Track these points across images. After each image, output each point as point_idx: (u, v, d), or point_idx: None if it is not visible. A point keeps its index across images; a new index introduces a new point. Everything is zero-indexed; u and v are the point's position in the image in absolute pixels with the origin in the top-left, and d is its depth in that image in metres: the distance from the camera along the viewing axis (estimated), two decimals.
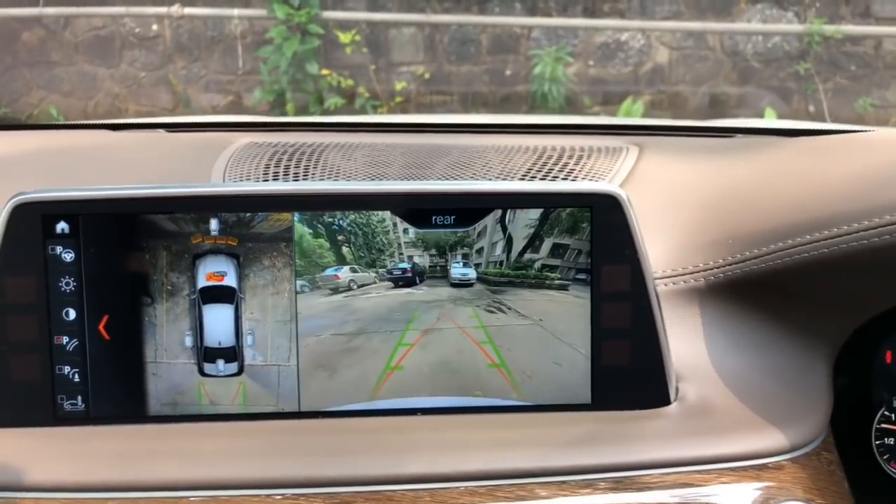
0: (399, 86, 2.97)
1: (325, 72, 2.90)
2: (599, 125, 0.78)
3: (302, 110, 2.87)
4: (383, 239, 0.45)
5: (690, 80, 3.06)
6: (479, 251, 0.45)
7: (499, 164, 0.64)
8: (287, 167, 0.66)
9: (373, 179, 0.61)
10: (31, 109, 3.00)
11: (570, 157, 0.65)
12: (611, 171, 0.60)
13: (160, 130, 0.77)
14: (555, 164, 0.63)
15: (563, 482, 0.40)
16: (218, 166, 0.64)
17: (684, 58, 3.07)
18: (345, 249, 0.45)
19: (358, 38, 2.93)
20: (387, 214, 0.44)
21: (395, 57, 3.00)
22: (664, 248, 0.49)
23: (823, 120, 2.98)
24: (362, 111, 2.88)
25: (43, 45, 3.05)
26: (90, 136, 0.75)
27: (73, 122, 0.86)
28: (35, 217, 0.43)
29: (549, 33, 3.02)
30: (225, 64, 3.04)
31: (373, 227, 0.45)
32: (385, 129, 0.81)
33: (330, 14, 2.93)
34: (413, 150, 0.70)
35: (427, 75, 2.99)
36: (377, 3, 2.98)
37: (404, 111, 2.95)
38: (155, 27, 3.04)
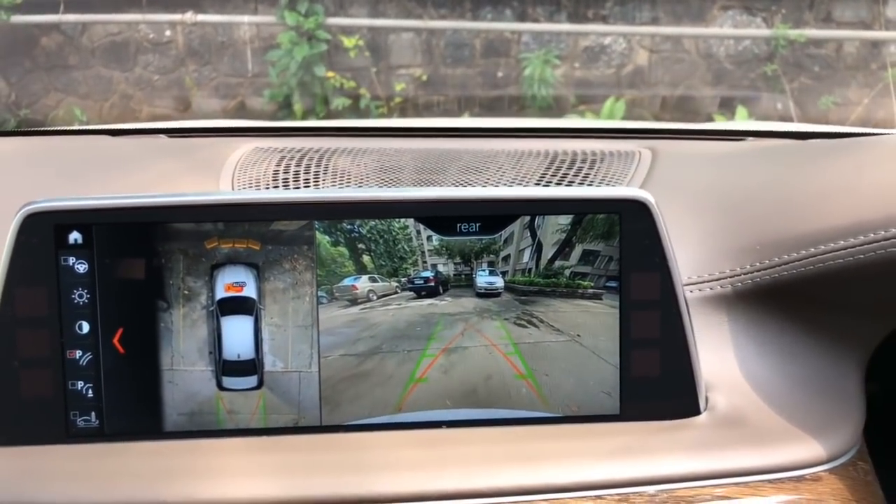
0: (398, 87, 2.91)
1: (329, 74, 2.84)
2: (607, 129, 0.73)
3: (309, 110, 2.81)
4: (405, 246, 0.40)
5: (668, 80, 3.03)
6: (506, 259, 0.40)
7: (512, 169, 0.59)
8: (297, 173, 0.61)
9: (385, 184, 0.56)
10: (48, 111, 2.92)
11: (584, 160, 0.60)
12: (627, 175, 0.55)
13: (161, 136, 0.72)
14: (569, 168, 0.58)
15: (599, 496, 0.35)
16: (225, 172, 0.59)
17: (662, 60, 3.04)
18: (364, 258, 0.40)
19: (361, 42, 2.88)
20: (410, 221, 0.39)
21: (394, 60, 2.94)
22: (688, 254, 0.44)
23: (790, 117, 2.96)
24: (366, 111, 2.83)
25: (61, 50, 2.96)
26: (90, 142, 0.70)
27: (71, 128, 0.80)
28: (47, 227, 0.38)
29: (538, 38, 2.97)
30: (234, 67, 2.97)
31: (394, 234, 0.40)
32: (392, 134, 0.76)
33: (334, 20, 2.87)
34: (423, 154, 0.64)
35: (424, 77, 2.93)
36: (378, 9, 2.92)
37: (403, 111, 2.89)
38: (168, 33, 2.97)
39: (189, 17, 2.90)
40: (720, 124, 0.80)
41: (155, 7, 2.91)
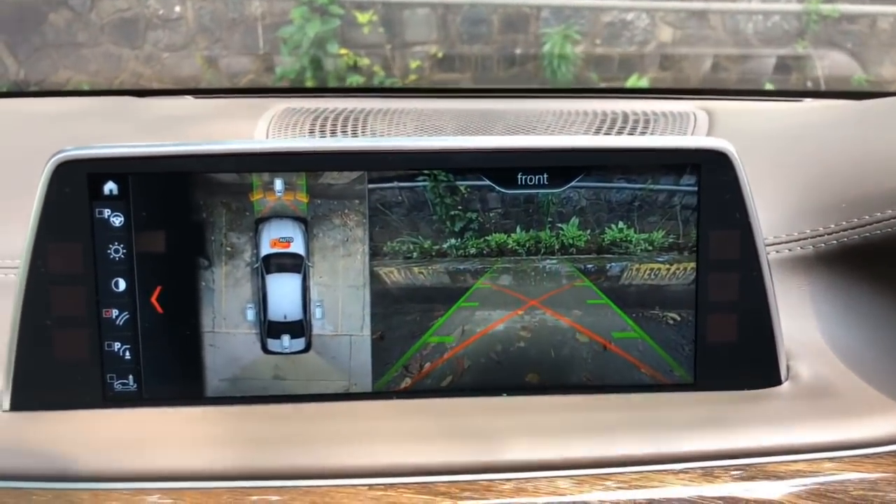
0: (413, 64, 2.88)
1: (342, 51, 2.81)
2: (651, 89, 0.70)
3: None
4: (459, 202, 0.37)
5: (693, 57, 2.97)
6: (571, 215, 0.37)
7: (561, 130, 0.57)
8: (333, 132, 0.59)
9: None
10: (58, 88, 2.91)
11: (637, 121, 0.57)
12: (687, 134, 0.52)
13: (187, 97, 0.70)
14: (622, 128, 0.56)
15: (683, 470, 0.33)
16: (259, 131, 0.58)
17: (687, 36, 2.98)
18: (414, 214, 0.37)
19: (374, 18, 2.84)
20: (468, 176, 0.37)
21: (409, 36, 2.91)
22: (764, 213, 0.42)
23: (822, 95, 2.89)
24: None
25: (69, 27, 2.94)
26: (115, 103, 0.68)
27: (96, 89, 0.80)
28: (80, 177, 0.36)
29: (558, 13, 2.92)
30: (245, 44, 2.95)
31: (449, 189, 0.37)
32: (427, 95, 0.74)
33: None
34: (464, 114, 0.62)
35: (440, 54, 2.89)
36: None
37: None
38: (178, 9, 2.94)
39: None
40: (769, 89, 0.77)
41: None
